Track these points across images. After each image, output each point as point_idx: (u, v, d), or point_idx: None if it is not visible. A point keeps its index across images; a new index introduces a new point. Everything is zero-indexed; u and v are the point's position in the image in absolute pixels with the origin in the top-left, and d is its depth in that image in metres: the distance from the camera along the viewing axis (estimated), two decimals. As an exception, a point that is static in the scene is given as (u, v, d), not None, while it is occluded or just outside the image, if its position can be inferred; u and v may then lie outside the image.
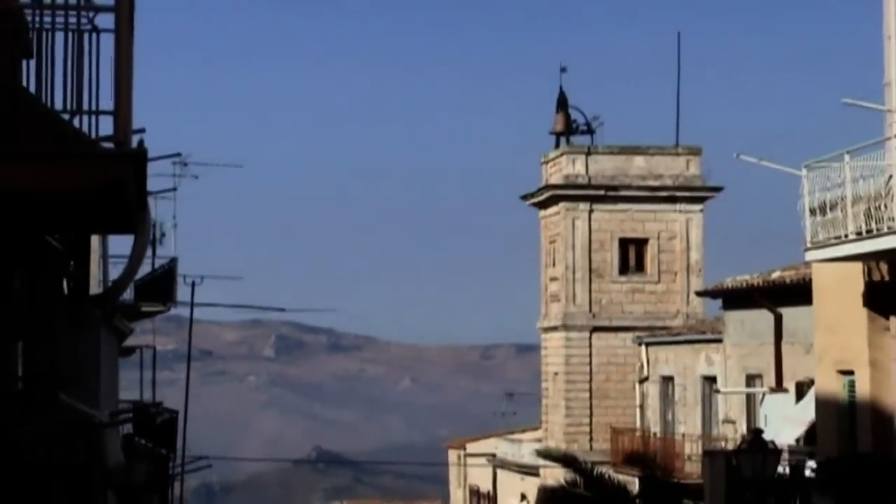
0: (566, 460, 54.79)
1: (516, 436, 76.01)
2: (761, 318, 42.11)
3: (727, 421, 46.34)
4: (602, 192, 63.26)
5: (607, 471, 53.34)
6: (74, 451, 27.46)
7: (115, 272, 37.25)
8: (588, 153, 64.21)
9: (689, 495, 44.11)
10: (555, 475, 56.03)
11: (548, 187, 64.75)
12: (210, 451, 64.27)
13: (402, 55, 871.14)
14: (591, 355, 62.86)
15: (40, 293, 20.87)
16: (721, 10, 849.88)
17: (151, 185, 28.39)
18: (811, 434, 34.38)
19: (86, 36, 12.45)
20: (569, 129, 65.73)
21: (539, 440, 67.99)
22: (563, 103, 66.10)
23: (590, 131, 65.74)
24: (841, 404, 30.69)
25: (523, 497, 68.10)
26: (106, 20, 12.28)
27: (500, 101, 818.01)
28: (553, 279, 65.15)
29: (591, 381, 62.82)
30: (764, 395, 41.64)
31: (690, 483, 44.91)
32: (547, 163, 66.11)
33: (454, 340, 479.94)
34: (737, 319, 45.55)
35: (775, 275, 41.11)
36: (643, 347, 57.31)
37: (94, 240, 33.30)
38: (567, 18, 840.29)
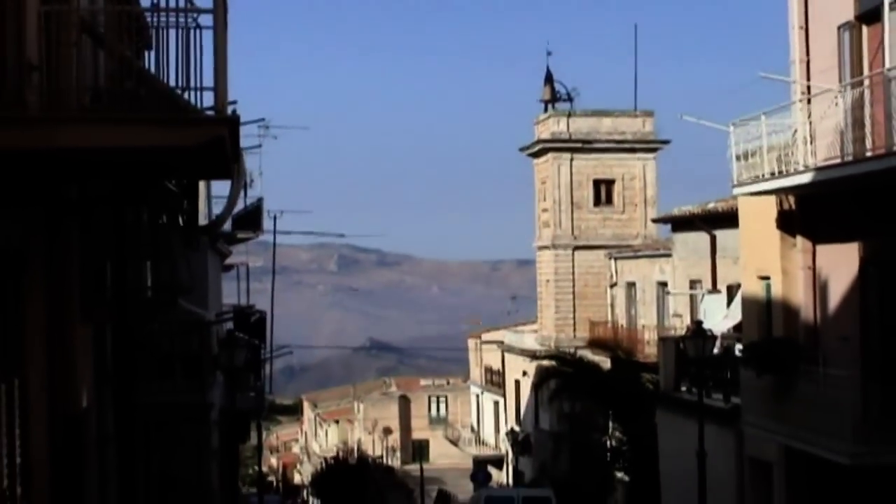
0: (554, 355, 55.09)
1: (519, 328, 76.08)
2: (700, 239, 42.08)
3: (676, 315, 46.33)
4: (580, 145, 63.31)
5: (586, 353, 53.49)
6: (190, 342, 27.57)
7: (217, 208, 37.37)
8: (569, 116, 64.28)
9: (648, 370, 44.12)
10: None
11: (539, 142, 64.84)
12: (290, 342, 64.43)
13: (436, 45, 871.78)
14: (573, 267, 62.96)
15: (162, 225, 20.90)
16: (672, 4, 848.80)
17: (243, 143, 28.34)
18: (739, 324, 34.37)
19: (192, 32, 12.44)
20: (554, 98, 65.88)
21: (536, 331, 68.16)
22: (549, 78, 66.35)
23: (569, 99, 65.91)
24: (760, 302, 30.68)
25: (524, 373, 68.20)
26: (206, 20, 12.29)
27: (505, 79, 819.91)
28: (544, 210, 65.19)
29: (573, 286, 62.94)
30: (703, 295, 41.62)
31: (648, 361, 44.94)
32: (538, 123, 66.16)
33: (471, 257, 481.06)
34: (682, 239, 45.51)
35: (711, 205, 41.02)
36: (612, 261, 57.31)
37: (202, 184, 33.36)
38: (550, 13, 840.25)
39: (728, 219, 35.94)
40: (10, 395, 12.89)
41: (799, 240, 28.37)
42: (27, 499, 13.52)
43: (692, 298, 44.34)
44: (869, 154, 23.06)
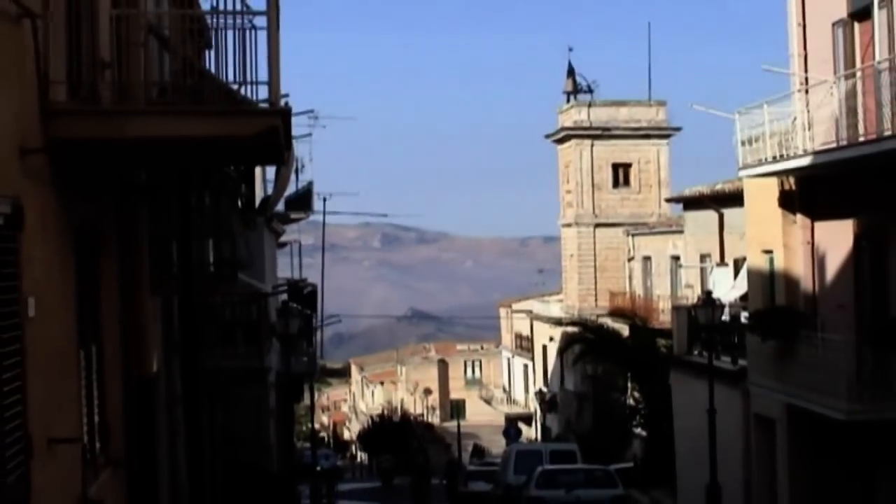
0: (578, 322, 55.13)
1: (546, 298, 76.07)
2: (710, 217, 41.95)
3: (688, 286, 46.22)
4: (599, 132, 63.22)
5: (606, 321, 53.46)
6: (249, 312, 27.65)
7: (271, 192, 37.45)
8: (589, 105, 64.17)
9: (662, 336, 44.10)
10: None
11: (563, 129, 64.73)
12: (339, 311, 64.64)
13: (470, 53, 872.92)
14: (594, 243, 62.93)
15: (223, 206, 20.99)
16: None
17: (294, 132, 28.39)
18: (745, 294, 34.29)
19: (247, 32, 12.48)
20: (575, 90, 65.76)
21: (561, 301, 68.17)
22: (571, 72, 66.25)
23: (590, 91, 65.75)
24: (764, 274, 30.61)
25: (551, 339, 68.24)
26: (261, 21, 12.33)
27: (532, 75, 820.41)
28: (568, 191, 65.13)
29: (595, 260, 62.91)
30: (712, 268, 41.51)
31: (663, 328, 44.89)
32: (562, 113, 66.05)
33: (501, 234, 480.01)
34: (693, 217, 45.38)
35: (719, 186, 40.86)
36: (630, 237, 57.22)
37: (258, 170, 33.44)
38: (572, 15, 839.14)
39: (735, 198, 35.83)
40: (88, 360, 13.00)
41: (799, 217, 28.31)
42: (105, 453, 13.65)
43: (702, 271, 44.24)
44: (862, 139, 23.05)
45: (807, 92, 25.87)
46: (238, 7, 12.80)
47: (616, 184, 63.62)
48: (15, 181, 9.88)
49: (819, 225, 27.67)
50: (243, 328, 27.15)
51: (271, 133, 11.87)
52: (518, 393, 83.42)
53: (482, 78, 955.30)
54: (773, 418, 29.15)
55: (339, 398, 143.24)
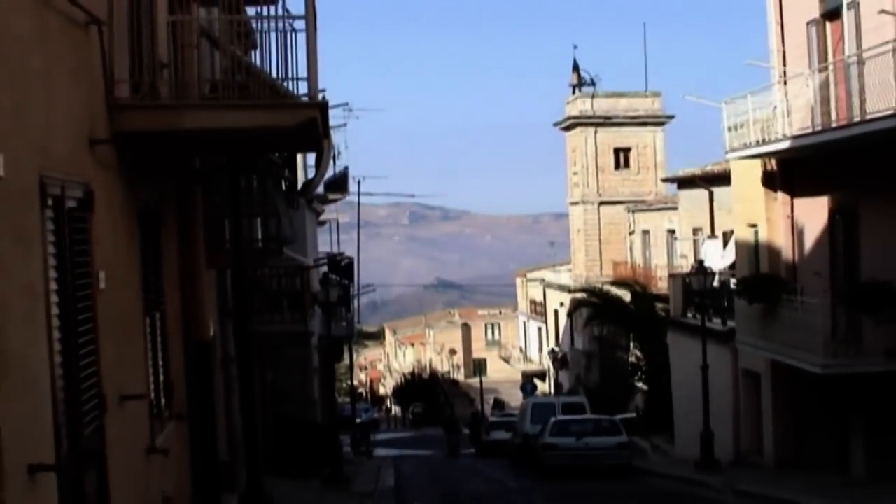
0: (585, 289, 55.11)
1: (557, 268, 76.07)
2: (701, 194, 41.86)
3: (682, 256, 46.18)
4: (602, 120, 63.15)
5: (610, 287, 53.43)
6: (294, 282, 27.72)
7: (311, 175, 37.49)
8: (593, 97, 64.09)
9: (660, 301, 44.07)
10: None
11: (569, 118, 64.67)
12: (373, 281, 64.68)
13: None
14: (599, 219, 62.89)
15: (269, 189, 21.04)
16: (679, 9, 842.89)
17: (331, 122, 28.43)
18: (733, 263, 34.25)
19: (289, 34, 12.50)
20: (580, 83, 65.72)
21: (570, 270, 68.17)
22: (576, 67, 66.32)
23: (593, 83, 65.67)
24: (750, 245, 30.58)
25: (561, 304, 68.23)
26: (300, 24, 12.35)
27: (543, 70, 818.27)
28: (574, 173, 65.10)
29: (600, 233, 62.89)
30: (704, 240, 41.45)
31: (661, 293, 44.87)
32: (568, 103, 65.94)
33: (516, 211, 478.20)
34: (686, 195, 45.29)
35: (709, 167, 40.77)
36: (630, 213, 57.16)
37: (299, 156, 33.49)
38: (576, 18, 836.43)
39: (723, 178, 35.75)
40: (152, 326, 13.08)
41: (780, 194, 28.27)
42: (169, 408, 13.75)
43: (695, 243, 44.19)
44: (834, 125, 23.06)
45: (785, 83, 25.83)
46: (280, 12, 12.84)
47: (617, 166, 63.52)
48: (86, 169, 9.96)
49: (798, 201, 27.64)
50: (288, 297, 27.24)
51: (311, 123, 11.90)
52: (533, 352, 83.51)
53: (498, 72, 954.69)
54: (759, 372, 29.19)
55: (374, 358, 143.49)
